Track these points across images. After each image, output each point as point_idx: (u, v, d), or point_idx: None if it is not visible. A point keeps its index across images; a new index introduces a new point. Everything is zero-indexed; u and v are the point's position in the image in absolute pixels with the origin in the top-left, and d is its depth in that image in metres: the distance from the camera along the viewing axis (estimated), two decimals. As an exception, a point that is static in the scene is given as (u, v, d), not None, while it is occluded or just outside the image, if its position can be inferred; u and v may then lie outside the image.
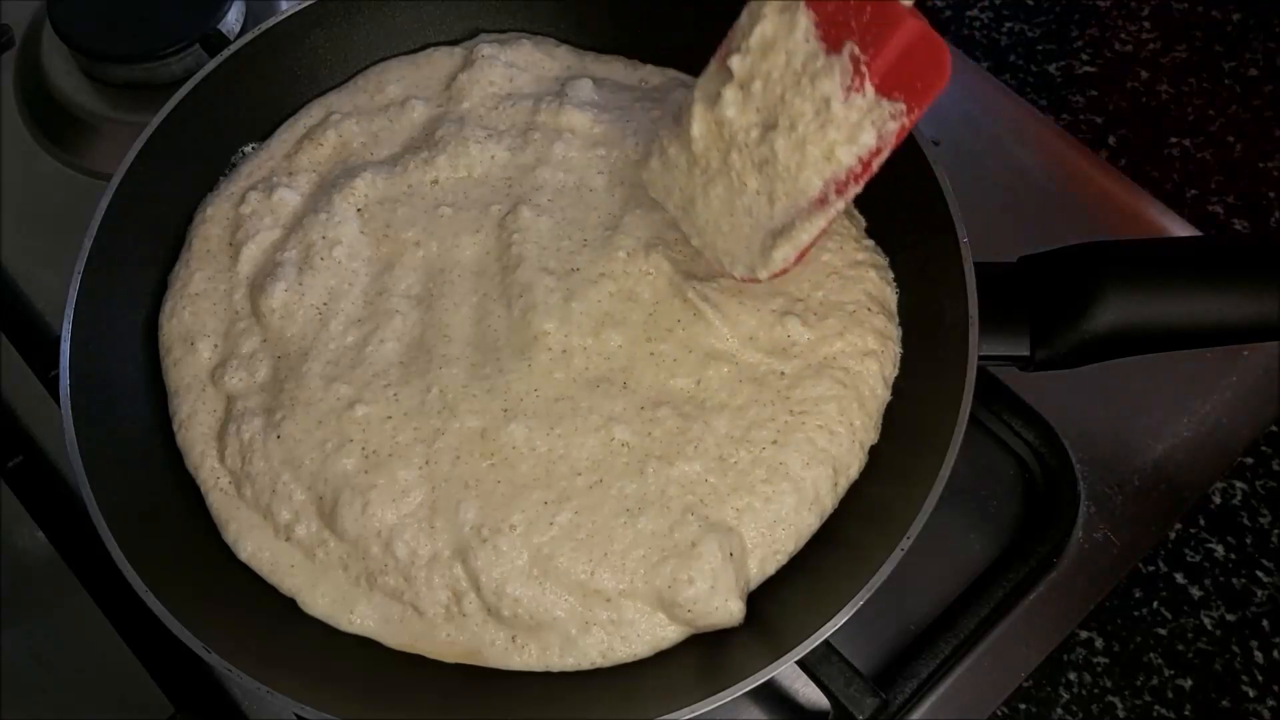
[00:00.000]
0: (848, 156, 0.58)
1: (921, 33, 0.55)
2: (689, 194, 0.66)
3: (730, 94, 0.61)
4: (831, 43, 0.57)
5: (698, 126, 0.63)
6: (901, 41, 0.55)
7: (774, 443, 0.66)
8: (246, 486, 0.68)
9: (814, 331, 0.68)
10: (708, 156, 0.64)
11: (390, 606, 0.65)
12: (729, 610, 0.63)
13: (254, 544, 0.67)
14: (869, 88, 0.56)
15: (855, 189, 0.59)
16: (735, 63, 0.60)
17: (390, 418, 0.67)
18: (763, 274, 0.64)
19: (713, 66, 0.63)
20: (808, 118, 0.58)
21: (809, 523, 0.66)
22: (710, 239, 0.66)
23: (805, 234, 0.62)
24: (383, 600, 0.65)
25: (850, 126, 0.57)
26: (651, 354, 0.68)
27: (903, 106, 0.56)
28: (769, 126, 0.60)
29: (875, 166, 0.59)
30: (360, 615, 0.65)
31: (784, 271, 0.64)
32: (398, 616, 0.65)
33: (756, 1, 0.60)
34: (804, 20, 0.58)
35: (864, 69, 0.56)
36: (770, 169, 0.61)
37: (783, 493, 0.65)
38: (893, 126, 0.57)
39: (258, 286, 0.73)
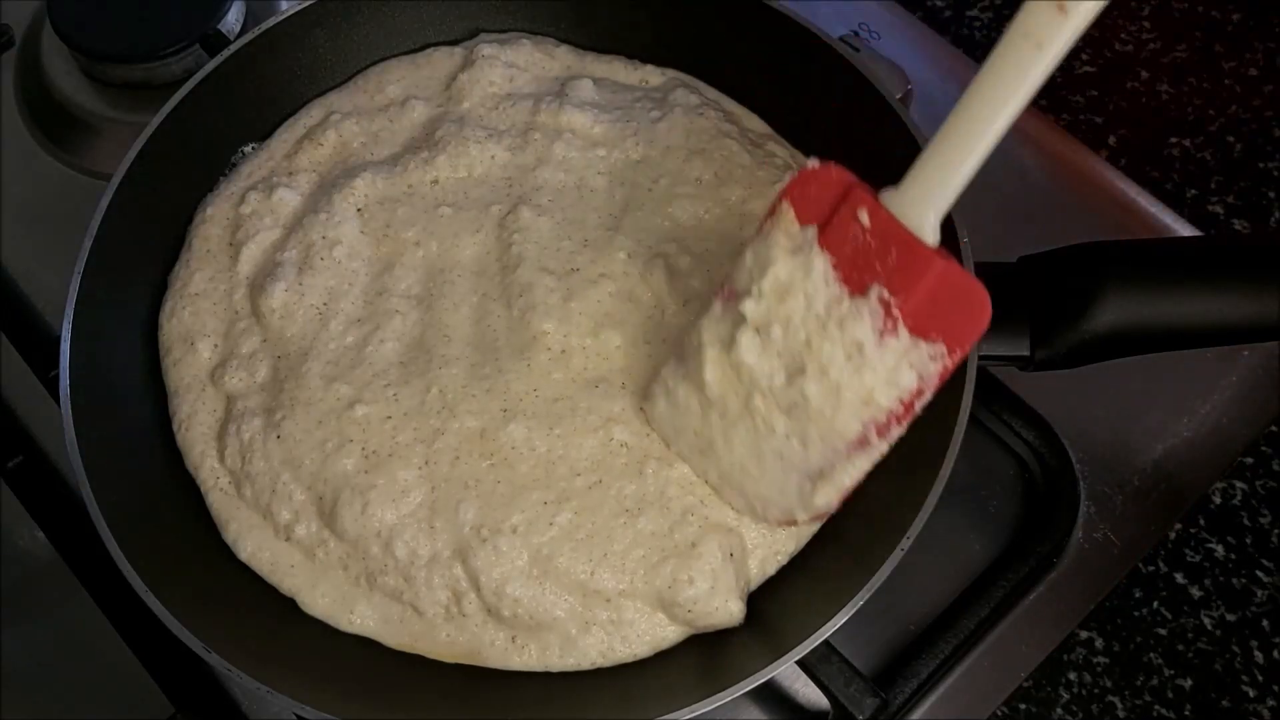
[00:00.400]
0: (887, 400, 0.54)
1: (953, 275, 0.51)
2: (706, 437, 0.61)
3: (748, 339, 0.56)
4: (855, 285, 0.53)
5: (712, 371, 0.59)
6: (931, 286, 0.51)
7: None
8: (246, 486, 0.68)
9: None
10: (725, 401, 0.59)
11: (390, 607, 0.65)
12: (729, 610, 0.63)
13: (254, 544, 0.67)
14: (903, 330, 0.52)
15: (899, 429, 0.55)
16: (749, 307, 0.56)
17: (390, 418, 0.67)
18: (802, 516, 0.61)
19: (718, 307, 0.59)
20: (839, 362, 0.54)
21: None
22: (737, 482, 0.62)
23: (848, 477, 0.57)
24: (382, 600, 0.65)
25: (888, 369, 0.53)
26: (650, 356, 0.68)
27: (943, 348, 0.52)
28: (796, 371, 0.55)
29: (919, 407, 0.54)
30: (360, 615, 0.65)
31: (826, 514, 0.60)
32: (397, 617, 0.65)
33: (762, 243, 0.56)
34: (820, 263, 0.54)
35: (895, 312, 0.52)
36: (801, 412, 0.56)
37: (783, 493, 0.65)
38: (934, 368, 0.53)
39: (258, 286, 0.73)
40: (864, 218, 0.52)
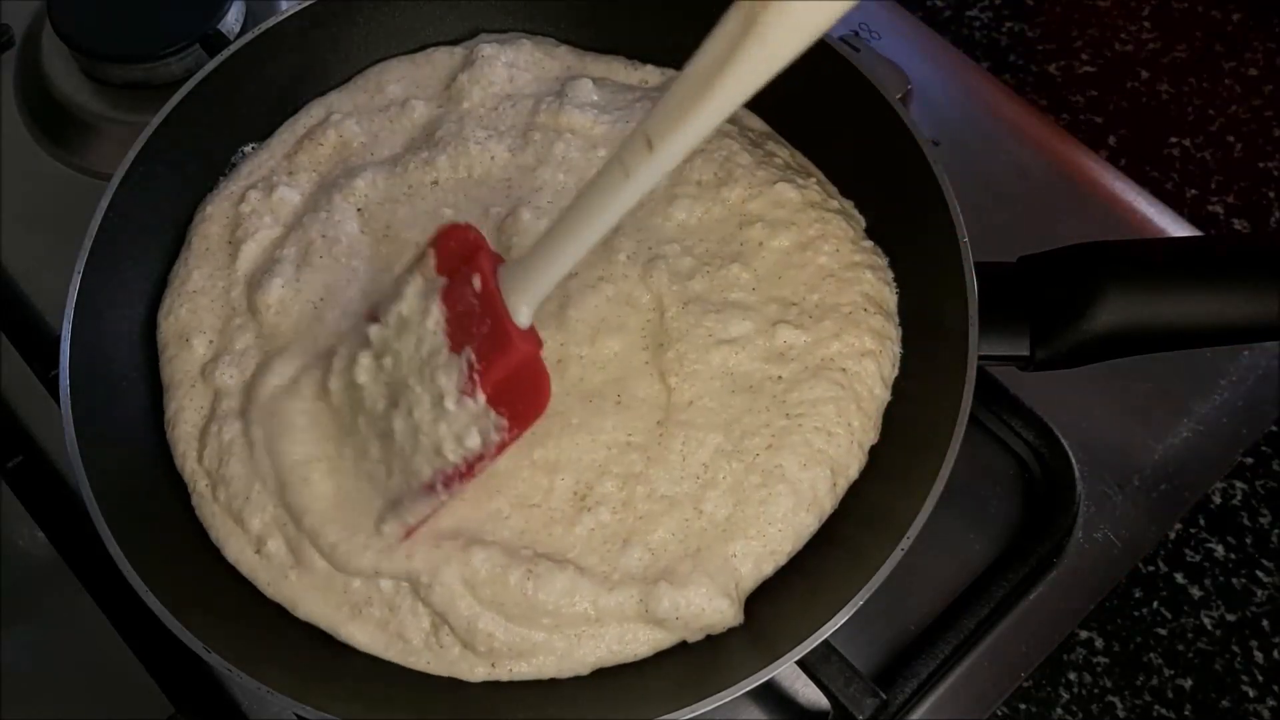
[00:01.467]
0: (453, 455, 0.58)
1: (527, 359, 0.55)
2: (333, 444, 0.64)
3: (365, 361, 0.61)
4: (455, 342, 0.57)
5: (335, 381, 0.63)
6: (508, 364, 0.55)
7: (768, 448, 0.65)
8: (221, 490, 0.66)
9: (809, 334, 0.67)
10: (342, 413, 0.63)
11: (375, 634, 0.64)
12: (719, 609, 0.62)
13: (234, 551, 0.66)
14: (480, 396, 0.56)
15: (460, 486, 0.59)
16: (374, 332, 0.60)
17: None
18: (376, 546, 0.62)
19: (361, 325, 0.63)
20: (424, 407, 0.58)
21: (807, 523, 0.65)
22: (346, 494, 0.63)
23: (411, 516, 0.61)
24: (370, 627, 0.64)
25: (460, 427, 0.57)
26: (647, 363, 0.67)
27: (506, 424, 0.56)
28: (392, 403, 0.60)
29: (479, 471, 0.58)
30: (348, 634, 0.64)
31: (395, 543, 0.62)
32: (383, 644, 0.64)
33: (405, 276, 0.60)
34: (436, 312, 0.57)
35: (476, 378, 0.56)
36: (389, 443, 0.60)
37: (779, 495, 0.64)
38: (495, 438, 0.57)
39: (255, 282, 0.72)
40: (476, 283, 0.56)
